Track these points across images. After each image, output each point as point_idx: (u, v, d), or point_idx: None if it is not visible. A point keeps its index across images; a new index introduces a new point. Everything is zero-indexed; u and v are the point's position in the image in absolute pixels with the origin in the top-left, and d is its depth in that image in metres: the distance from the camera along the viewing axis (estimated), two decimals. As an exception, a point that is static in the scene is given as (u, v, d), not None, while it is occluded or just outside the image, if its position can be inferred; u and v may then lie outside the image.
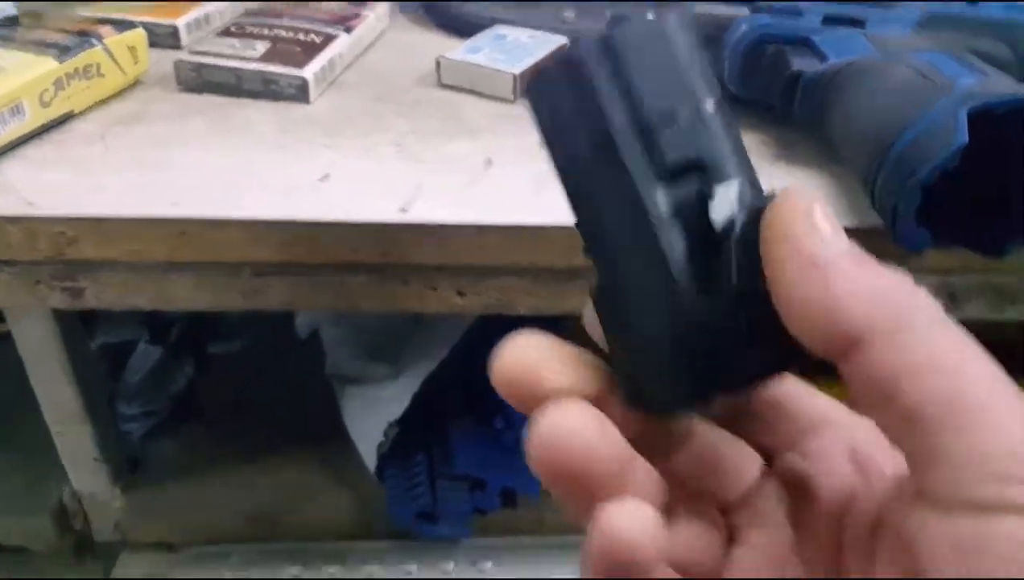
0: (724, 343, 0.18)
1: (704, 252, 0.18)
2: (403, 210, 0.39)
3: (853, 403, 0.18)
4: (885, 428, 0.18)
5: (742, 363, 0.19)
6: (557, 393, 0.19)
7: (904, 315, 0.17)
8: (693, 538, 0.21)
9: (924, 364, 0.16)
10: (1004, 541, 0.15)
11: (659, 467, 0.20)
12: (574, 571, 0.55)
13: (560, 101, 0.19)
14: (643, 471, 0.20)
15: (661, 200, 0.18)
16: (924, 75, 0.35)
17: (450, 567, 0.55)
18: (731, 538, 0.22)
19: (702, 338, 0.18)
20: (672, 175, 0.18)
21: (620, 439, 0.19)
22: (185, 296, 0.41)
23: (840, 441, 0.21)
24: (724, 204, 0.18)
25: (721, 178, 0.18)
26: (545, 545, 0.57)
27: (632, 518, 0.18)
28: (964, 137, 0.32)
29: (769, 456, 0.22)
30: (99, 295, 0.41)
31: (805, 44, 0.43)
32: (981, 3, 0.43)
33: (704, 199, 0.18)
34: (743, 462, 0.22)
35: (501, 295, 0.41)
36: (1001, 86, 0.33)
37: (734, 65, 0.44)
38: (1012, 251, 0.36)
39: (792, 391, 0.22)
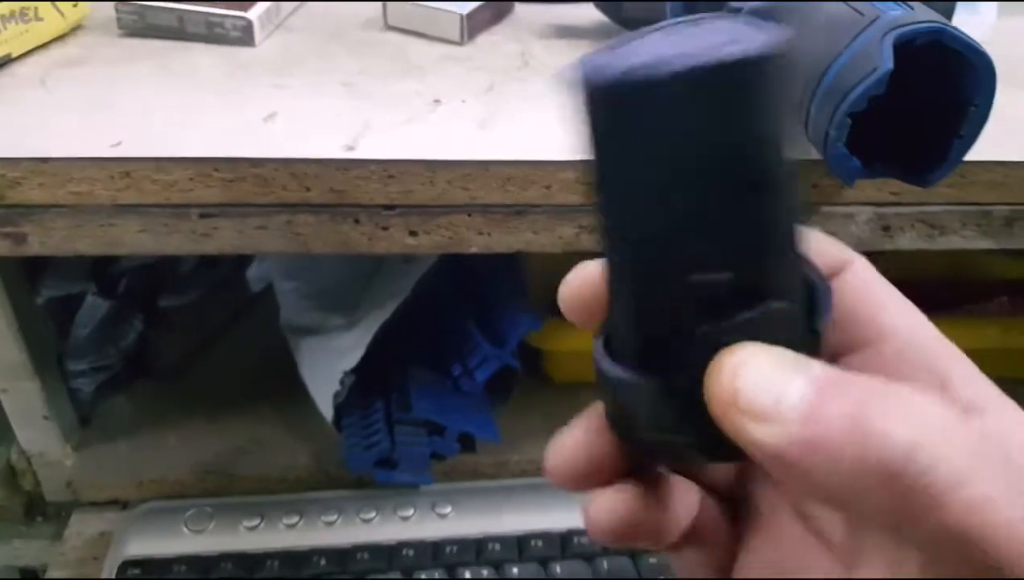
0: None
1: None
2: (350, 148, 0.39)
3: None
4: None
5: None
6: None
7: (944, 434, 0.16)
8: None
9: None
10: None
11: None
12: (533, 513, 0.56)
13: (641, 125, 0.17)
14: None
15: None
16: (854, 8, 0.36)
17: (410, 513, 0.56)
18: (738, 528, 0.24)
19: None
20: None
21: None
22: (131, 241, 0.41)
23: None
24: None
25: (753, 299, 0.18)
26: (506, 488, 0.58)
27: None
28: (890, 64, 0.33)
29: None
30: (43, 240, 0.40)
31: (745, -19, 0.44)
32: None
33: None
34: None
35: (453, 234, 0.42)
36: (924, 16, 0.34)
37: (676, 2, 0.45)
38: (936, 180, 0.38)
39: None
